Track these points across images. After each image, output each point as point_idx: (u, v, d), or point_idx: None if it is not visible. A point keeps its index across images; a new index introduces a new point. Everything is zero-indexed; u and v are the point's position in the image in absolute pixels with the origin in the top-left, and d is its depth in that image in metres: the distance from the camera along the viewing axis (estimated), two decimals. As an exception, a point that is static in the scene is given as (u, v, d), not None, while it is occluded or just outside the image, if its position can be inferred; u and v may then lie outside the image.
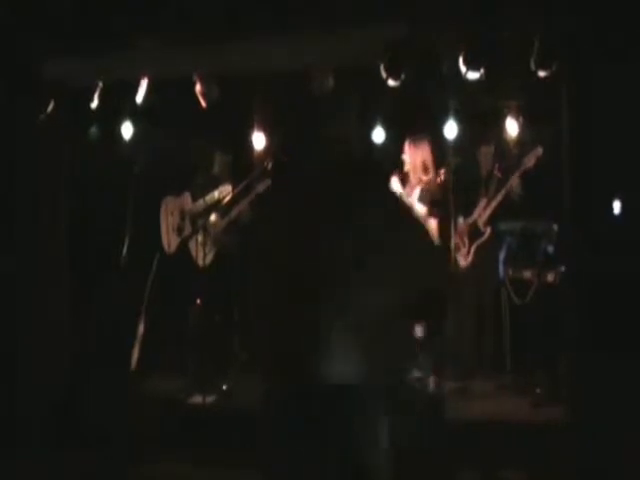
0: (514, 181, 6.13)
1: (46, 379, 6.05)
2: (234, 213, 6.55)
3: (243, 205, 6.55)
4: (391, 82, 5.39)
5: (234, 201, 6.49)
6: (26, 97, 5.99)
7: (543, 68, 5.15)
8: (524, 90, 5.79)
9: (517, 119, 6.13)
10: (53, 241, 6.38)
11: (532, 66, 5.16)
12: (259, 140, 6.70)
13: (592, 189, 5.17)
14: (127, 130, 6.37)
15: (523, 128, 6.14)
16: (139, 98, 6.11)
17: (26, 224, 6.25)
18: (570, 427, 5.02)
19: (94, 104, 6.04)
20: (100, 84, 6.04)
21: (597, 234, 5.16)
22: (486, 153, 6.42)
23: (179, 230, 6.56)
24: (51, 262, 6.33)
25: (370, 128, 6.65)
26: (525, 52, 5.15)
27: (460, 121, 6.07)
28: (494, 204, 6.25)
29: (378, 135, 6.67)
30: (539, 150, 6.04)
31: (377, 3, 5.35)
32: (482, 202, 6.32)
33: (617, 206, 5.53)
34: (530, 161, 6.06)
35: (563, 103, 5.22)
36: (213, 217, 6.49)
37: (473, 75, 5.29)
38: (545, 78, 5.19)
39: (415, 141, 6.37)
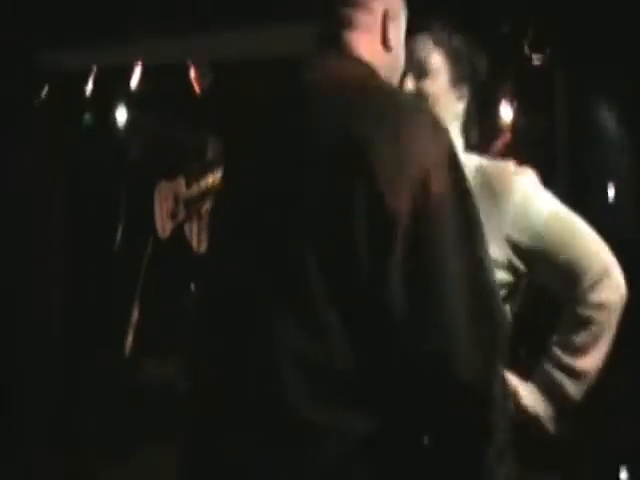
0: None
1: (42, 367, 6.07)
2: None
3: None
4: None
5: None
6: (21, 82, 5.99)
7: (537, 52, 5.10)
8: (519, 76, 5.73)
9: (509, 104, 6.06)
10: (50, 228, 6.38)
11: (526, 51, 5.12)
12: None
13: (586, 177, 5.14)
14: (121, 115, 6.36)
15: (516, 114, 6.09)
16: (133, 84, 6.10)
17: (23, 211, 6.25)
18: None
19: (88, 89, 6.03)
20: (94, 69, 6.03)
21: (592, 222, 5.12)
22: None
23: (173, 215, 6.56)
24: (47, 249, 6.33)
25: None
26: (520, 37, 5.11)
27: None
28: None
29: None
30: (507, 136, 5.96)
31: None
32: None
33: (612, 194, 5.49)
34: (497, 147, 5.98)
35: (557, 90, 5.18)
36: (209, 203, 6.48)
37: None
38: (540, 65, 5.14)
39: None
